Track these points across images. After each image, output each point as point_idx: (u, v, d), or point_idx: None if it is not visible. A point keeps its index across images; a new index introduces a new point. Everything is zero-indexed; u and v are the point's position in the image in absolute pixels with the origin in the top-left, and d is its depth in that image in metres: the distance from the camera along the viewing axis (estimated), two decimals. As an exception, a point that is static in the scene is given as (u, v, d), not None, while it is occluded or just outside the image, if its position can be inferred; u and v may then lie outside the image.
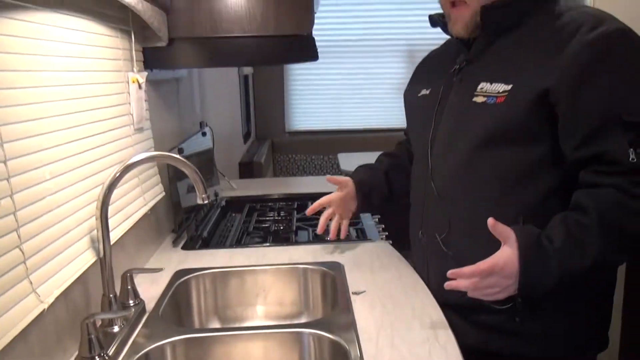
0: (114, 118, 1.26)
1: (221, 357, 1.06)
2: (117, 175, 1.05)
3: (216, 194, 2.06)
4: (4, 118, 0.81)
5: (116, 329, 1.05)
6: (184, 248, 1.57)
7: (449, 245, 1.15)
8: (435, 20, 1.22)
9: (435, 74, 1.23)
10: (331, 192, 1.51)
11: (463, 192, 1.11)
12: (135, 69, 1.38)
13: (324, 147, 4.46)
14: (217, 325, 1.38)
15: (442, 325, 1.06)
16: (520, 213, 1.04)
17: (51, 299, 0.90)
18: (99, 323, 1.05)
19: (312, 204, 2.01)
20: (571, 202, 1.00)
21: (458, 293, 1.02)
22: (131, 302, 1.14)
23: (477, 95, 1.07)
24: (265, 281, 1.39)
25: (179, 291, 1.30)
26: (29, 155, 0.88)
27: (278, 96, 4.54)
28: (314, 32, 1.56)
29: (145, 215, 1.42)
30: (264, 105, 4.51)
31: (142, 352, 1.01)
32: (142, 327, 1.10)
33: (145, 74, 1.41)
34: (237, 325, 1.38)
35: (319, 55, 1.61)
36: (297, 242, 1.66)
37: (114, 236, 1.18)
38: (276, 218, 1.93)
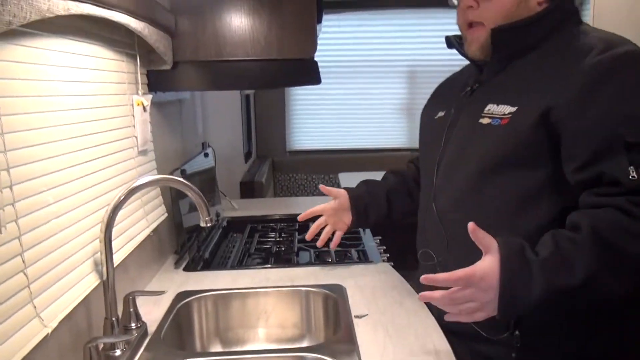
0: (118, 141, 1.27)
1: (223, 381, 1.06)
2: (122, 198, 1.05)
3: (218, 215, 2.06)
4: (11, 143, 0.82)
5: (118, 352, 1.05)
6: (185, 269, 1.57)
7: (446, 269, 1.10)
8: (451, 42, 1.22)
9: (451, 96, 1.24)
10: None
11: (464, 215, 1.07)
12: (140, 92, 1.39)
13: (324, 166, 4.48)
14: (218, 348, 1.37)
15: (445, 352, 1.05)
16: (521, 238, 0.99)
17: (55, 323, 0.90)
18: (101, 347, 1.05)
19: (312, 224, 2.03)
20: (566, 222, 0.97)
21: (461, 322, 0.99)
22: (133, 325, 1.14)
23: (483, 117, 1.07)
24: (267, 303, 1.38)
25: (180, 313, 1.30)
26: (34, 180, 0.89)
27: (279, 116, 4.57)
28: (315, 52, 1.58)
29: (147, 237, 1.42)
30: (265, 125, 4.54)
31: (144, 376, 1.00)
32: (143, 350, 1.10)
33: (149, 96, 1.43)
34: (238, 348, 1.37)
35: (321, 75, 1.63)
36: (298, 264, 1.66)
37: (117, 258, 1.18)
38: (277, 239, 1.93)
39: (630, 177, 0.90)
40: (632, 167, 0.91)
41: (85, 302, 1.04)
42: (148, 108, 1.41)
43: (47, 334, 0.87)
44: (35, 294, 0.86)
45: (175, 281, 1.47)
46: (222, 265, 1.67)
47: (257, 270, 1.56)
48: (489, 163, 1.05)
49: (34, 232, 0.88)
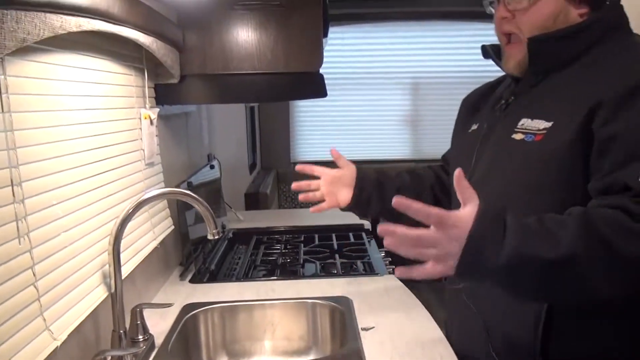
0: (125, 154, 1.28)
1: (230, 394, 1.06)
2: (130, 210, 1.06)
3: (223, 226, 2.07)
4: (23, 158, 0.83)
5: (126, 365, 1.05)
6: (191, 281, 1.57)
7: (471, 295, 1.07)
8: (488, 52, 1.16)
9: (485, 108, 1.19)
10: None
11: None
12: (147, 106, 1.41)
13: (329, 177, 4.47)
14: (224, 360, 1.37)
15: (452, 364, 1.05)
16: None
17: (64, 336, 0.90)
18: (109, 359, 1.05)
19: (318, 237, 2.03)
20: None
21: (480, 350, 0.94)
22: (140, 337, 1.14)
23: (516, 132, 1.00)
24: (273, 316, 1.38)
25: (187, 326, 1.30)
26: (45, 194, 0.90)
27: (283, 127, 4.59)
28: (319, 64, 1.58)
29: (154, 249, 1.43)
30: (270, 136, 4.56)
31: (152, 389, 1.00)
32: (151, 363, 1.10)
33: (157, 110, 1.44)
34: (245, 360, 1.37)
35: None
36: (304, 276, 1.66)
37: (125, 271, 1.18)
38: (283, 251, 1.93)
39: (639, 179, 0.84)
40: None
41: (94, 314, 1.04)
42: (155, 121, 1.43)
43: (57, 347, 0.88)
44: (45, 306, 0.87)
45: (181, 293, 1.47)
46: (228, 277, 1.67)
47: (263, 282, 1.57)
48: (520, 182, 0.97)
49: (44, 245, 0.89)
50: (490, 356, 0.98)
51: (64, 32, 0.82)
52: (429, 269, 0.81)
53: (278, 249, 1.95)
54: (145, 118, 1.38)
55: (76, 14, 0.86)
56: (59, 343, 0.88)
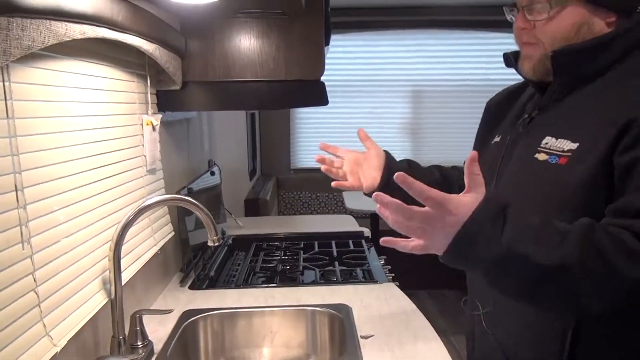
0: (127, 160, 1.28)
1: (229, 401, 1.06)
2: (131, 217, 1.07)
3: (223, 233, 2.07)
4: (26, 164, 0.83)
5: (125, 371, 1.05)
6: (191, 287, 1.58)
7: (490, 323, 1.03)
8: (510, 60, 1.08)
9: (508, 119, 1.11)
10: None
11: None
12: (149, 112, 1.41)
13: (328, 184, 4.46)
14: (223, 367, 1.37)
15: (451, 373, 1.06)
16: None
17: (64, 342, 0.90)
18: (108, 365, 1.05)
19: (318, 244, 2.04)
20: None
21: None
22: (139, 343, 1.14)
23: (540, 152, 0.94)
24: (272, 323, 1.38)
25: (186, 332, 1.30)
26: (47, 199, 0.91)
27: (284, 134, 4.60)
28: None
29: (154, 255, 1.43)
30: (270, 143, 4.57)
31: (151, 396, 1.00)
32: (150, 369, 1.10)
33: (159, 116, 1.45)
34: (243, 367, 1.37)
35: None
36: (303, 283, 1.66)
37: (125, 277, 1.19)
38: (283, 257, 1.93)
39: None
40: None
41: (93, 320, 1.04)
42: (157, 127, 1.43)
43: (56, 352, 0.88)
44: (45, 312, 0.87)
45: (180, 300, 1.47)
46: (227, 284, 1.67)
47: (263, 289, 1.57)
48: (543, 207, 0.91)
49: (45, 251, 0.89)
50: None
51: (68, 39, 0.83)
52: (414, 245, 0.79)
53: (278, 256, 1.95)
54: (148, 124, 1.39)
55: (81, 22, 0.86)
56: (58, 349, 0.88)
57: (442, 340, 1.21)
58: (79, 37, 0.86)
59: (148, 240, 1.39)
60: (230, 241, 2.08)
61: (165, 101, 1.49)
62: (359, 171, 1.25)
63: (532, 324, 0.91)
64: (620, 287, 0.78)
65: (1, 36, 0.67)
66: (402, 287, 1.55)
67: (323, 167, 1.25)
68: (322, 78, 1.59)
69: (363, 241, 2.07)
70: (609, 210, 0.84)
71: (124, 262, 1.19)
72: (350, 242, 2.05)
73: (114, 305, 1.06)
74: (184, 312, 1.36)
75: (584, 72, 0.94)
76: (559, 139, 0.91)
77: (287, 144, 4.62)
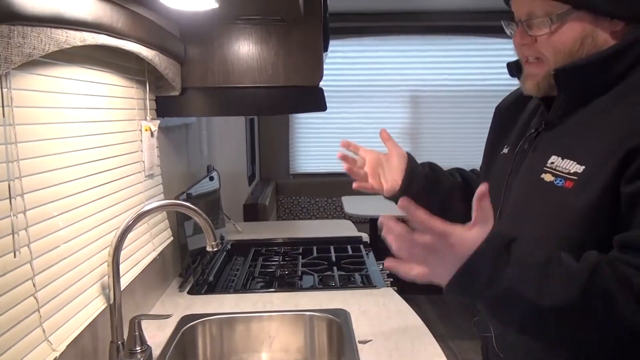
0: (126, 165, 1.29)
1: (227, 407, 1.06)
2: (130, 222, 1.07)
3: (222, 238, 2.07)
4: (27, 170, 0.84)
5: (123, 376, 1.05)
6: (190, 292, 1.58)
7: (500, 346, 1.01)
8: (513, 70, 1.05)
9: (516, 129, 1.08)
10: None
11: None
12: (148, 118, 1.42)
13: (327, 189, 4.50)
14: (222, 372, 1.37)
15: (449, 377, 1.06)
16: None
17: (63, 347, 0.91)
18: (106, 371, 1.05)
19: (316, 249, 2.04)
20: None
21: None
22: (138, 348, 1.15)
23: (546, 172, 0.91)
24: (271, 328, 1.39)
25: (185, 337, 1.31)
26: (46, 205, 0.91)
27: (282, 139, 4.61)
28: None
29: (153, 260, 1.43)
30: (269, 148, 4.58)
31: (149, 401, 1.00)
32: (148, 375, 1.10)
33: (157, 122, 1.45)
34: (242, 373, 1.37)
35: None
36: (302, 288, 1.67)
37: (124, 282, 1.19)
38: (281, 262, 1.94)
39: None
40: None
41: (92, 325, 1.05)
42: (156, 133, 1.44)
43: (55, 357, 0.88)
44: (44, 317, 0.88)
45: (179, 304, 1.48)
46: (226, 289, 1.68)
47: (261, 294, 1.57)
48: (550, 235, 0.89)
49: (44, 256, 0.89)
50: None
51: (68, 46, 0.84)
52: (416, 273, 0.79)
53: (276, 261, 1.95)
54: (146, 130, 1.40)
55: (81, 29, 0.87)
56: (57, 354, 0.89)
57: (440, 345, 1.21)
58: (79, 44, 0.87)
59: (147, 245, 1.40)
60: (229, 246, 2.08)
61: (164, 107, 1.50)
62: (380, 173, 1.21)
63: (541, 350, 0.90)
64: (625, 328, 0.77)
65: (2, 44, 0.67)
66: (401, 292, 1.55)
67: (345, 166, 1.19)
68: (321, 83, 1.61)
69: (362, 246, 2.07)
70: (616, 241, 0.82)
71: (122, 268, 1.19)
72: (349, 247, 2.06)
73: (113, 310, 1.06)
74: (182, 317, 1.37)
75: (588, 89, 0.91)
76: (565, 159, 0.89)
77: (286, 149, 4.64)
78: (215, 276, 1.76)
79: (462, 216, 1.14)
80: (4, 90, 0.79)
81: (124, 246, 1.16)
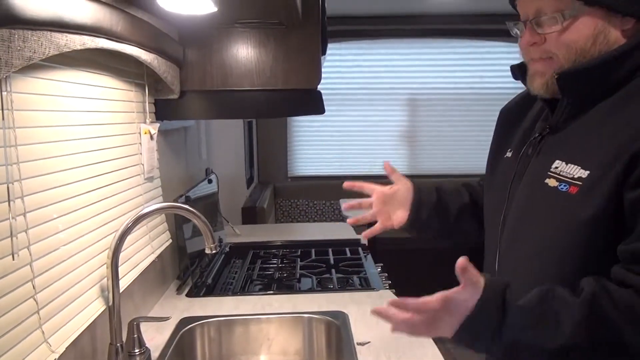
0: (125, 168, 1.30)
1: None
2: (129, 225, 1.08)
3: (220, 240, 2.08)
4: (27, 172, 0.85)
5: (122, 378, 1.06)
6: (188, 295, 1.58)
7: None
8: (516, 73, 1.02)
9: (520, 132, 1.06)
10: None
11: (527, 289, 0.90)
12: (147, 121, 1.43)
13: (325, 192, 4.50)
14: (220, 374, 1.37)
15: (447, 379, 1.06)
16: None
17: (62, 349, 0.91)
18: (105, 373, 1.06)
19: (315, 252, 2.05)
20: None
21: None
22: (137, 350, 1.15)
23: (549, 177, 0.90)
24: (269, 330, 1.39)
25: (183, 339, 1.31)
26: (46, 207, 0.92)
27: (281, 142, 4.62)
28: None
29: (152, 263, 1.44)
30: (267, 151, 4.58)
31: (148, 403, 1.01)
32: (147, 377, 1.10)
33: (157, 125, 1.46)
34: (240, 375, 1.38)
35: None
36: (300, 290, 1.67)
37: (123, 284, 1.19)
38: (280, 265, 1.94)
39: None
40: None
41: (91, 327, 1.05)
42: (155, 136, 1.45)
43: (55, 359, 0.88)
44: (44, 319, 0.88)
45: (178, 307, 1.48)
46: (224, 291, 1.68)
47: (260, 297, 1.57)
48: (552, 243, 0.89)
49: (44, 258, 0.90)
50: None
51: (68, 50, 0.84)
52: (421, 332, 0.86)
53: (275, 264, 1.96)
54: (145, 133, 1.40)
55: (80, 33, 0.88)
56: (56, 356, 0.89)
57: (438, 347, 1.22)
58: (79, 47, 0.88)
59: (146, 248, 1.40)
60: (227, 249, 2.09)
61: (163, 110, 1.51)
62: (387, 210, 1.21)
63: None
64: (631, 353, 0.79)
65: (3, 47, 0.68)
66: (399, 295, 1.55)
67: (350, 220, 1.25)
68: (319, 86, 1.61)
69: (360, 249, 2.08)
70: (620, 252, 0.82)
71: (121, 270, 1.20)
72: (347, 249, 2.06)
73: (112, 312, 1.07)
74: (181, 319, 1.37)
75: (592, 92, 0.89)
76: (569, 164, 0.88)
77: (284, 152, 4.64)
78: (213, 279, 1.76)
79: (473, 234, 1.21)
80: (4, 93, 0.79)
81: (123, 249, 1.16)
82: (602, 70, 0.87)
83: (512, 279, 0.94)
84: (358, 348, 1.20)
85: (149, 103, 1.44)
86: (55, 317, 0.92)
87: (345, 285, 1.70)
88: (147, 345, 1.18)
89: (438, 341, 1.24)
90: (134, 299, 1.31)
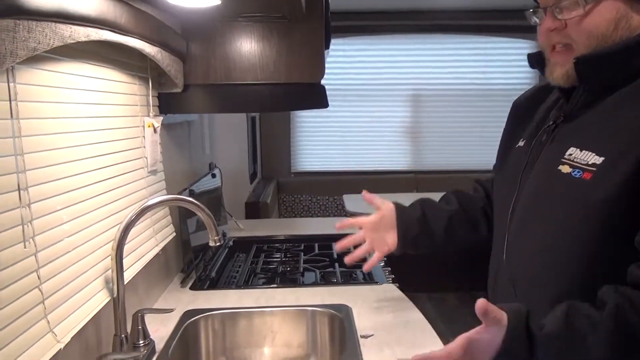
0: (129, 161, 1.30)
1: (230, 399, 1.07)
2: (133, 217, 1.08)
3: (224, 234, 2.08)
4: (31, 163, 0.85)
5: (127, 369, 1.06)
6: (192, 288, 1.59)
7: None
8: (533, 61, 1.01)
9: (533, 123, 1.05)
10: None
11: (538, 286, 0.91)
12: (151, 114, 1.43)
13: (329, 188, 4.51)
14: (224, 367, 1.38)
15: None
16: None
17: (67, 339, 0.91)
18: (110, 363, 1.06)
19: (318, 246, 2.05)
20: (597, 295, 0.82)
21: None
22: (141, 342, 1.16)
23: (563, 163, 0.89)
24: (273, 323, 1.40)
25: (187, 331, 1.31)
26: (50, 199, 0.92)
27: (284, 137, 4.63)
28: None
29: (155, 255, 1.44)
30: (271, 146, 4.59)
31: (152, 393, 1.01)
32: (151, 368, 1.11)
33: (160, 118, 1.46)
34: (244, 367, 1.38)
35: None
36: (304, 284, 1.67)
37: (127, 276, 1.20)
38: (283, 259, 1.95)
39: None
40: None
41: (96, 318, 1.06)
42: (158, 130, 1.45)
43: (60, 349, 0.89)
44: (49, 309, 0.89)
45: (181, 300, 1.49)
46: (228, 285, 1.68)
47: (263, 290, 1.58)
48: (563, 231, 0.88)
49: (49, 249, 0.90)
50: None
51: (73, 41, 0.85)
52: None
53: (278, 258, 1.96)
54: (149, 126, 1.40)
55: (85, 24, 0.88)
56: (62, 345, 0.90)
57: (442, 342, 1.22)
58: (83, 39, 0.88)
59: (150, 240, 1.41)
60: (231, 243, 2.09)
61: (166, 103, 1.51)
62: (379, 237, 1.26)
63: None
64: None
65: (8, 38, 0.68)
66: (403, 289, 1.56)
67: (347, 259, 1.30)
68: (323, 82, 1.61)
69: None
70: (638, 243, 0.80)
71: (126, 262, 1.20)
72: (350, 244, 2.06)
73: (117, 303, 1.07)
74: (185, 311, 1.38)
75: (610, 79, 0.88)
76: (584, 151, 0.87)
77: (288, 147, 4.65)
78: (217, 272, 1.76)
79: (468, 240, 1.23)
80: (10, 84, 0.80)
81: (127, 241, 1.17)
82: (623, 55, 0.86)
83: (520, 271, 0.95)
84: (361, 341, 1.21)
85: (152, 96, 1.44)
86: (60, 307, 0.93)
87: (348, 279, 1.71)
88: (151, 336, 1.19)
89: (442, 336, 1.25)
90: (138, 291, 1.32)
